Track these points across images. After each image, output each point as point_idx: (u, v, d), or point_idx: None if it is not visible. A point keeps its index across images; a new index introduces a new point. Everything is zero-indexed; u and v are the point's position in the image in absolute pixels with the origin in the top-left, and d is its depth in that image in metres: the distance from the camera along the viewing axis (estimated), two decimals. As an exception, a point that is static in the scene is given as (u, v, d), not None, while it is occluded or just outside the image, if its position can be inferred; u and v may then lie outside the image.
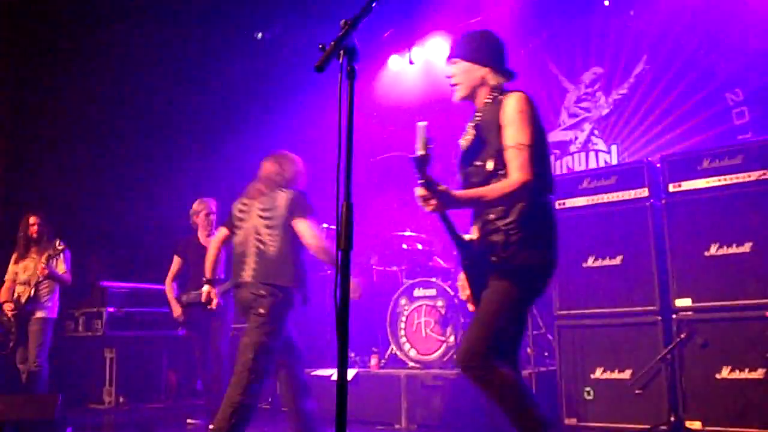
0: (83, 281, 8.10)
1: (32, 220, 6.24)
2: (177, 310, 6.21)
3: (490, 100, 3.03)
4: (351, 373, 6.09)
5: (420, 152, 2.58)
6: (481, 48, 3.12)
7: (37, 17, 8.01)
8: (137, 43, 8.37)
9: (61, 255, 6.21)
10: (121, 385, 7.71)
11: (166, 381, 8.32)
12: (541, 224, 2.91)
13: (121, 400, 7.67)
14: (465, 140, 3.11)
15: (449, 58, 3.16)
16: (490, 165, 2.92)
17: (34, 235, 6.21)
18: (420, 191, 2.65)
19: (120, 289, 7.97)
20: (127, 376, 7.78)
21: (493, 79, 3.06)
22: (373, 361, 6.35)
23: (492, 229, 2.88)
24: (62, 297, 6.38)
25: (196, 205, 6.40)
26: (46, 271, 6.03)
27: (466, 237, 3.01)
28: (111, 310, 7.75)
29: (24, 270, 6.16)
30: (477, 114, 3.09)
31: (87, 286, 7.98)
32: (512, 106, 2.91)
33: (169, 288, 6.32)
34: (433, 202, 2.65)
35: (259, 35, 9.05)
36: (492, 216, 2.89)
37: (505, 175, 2.84)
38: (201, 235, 6.34)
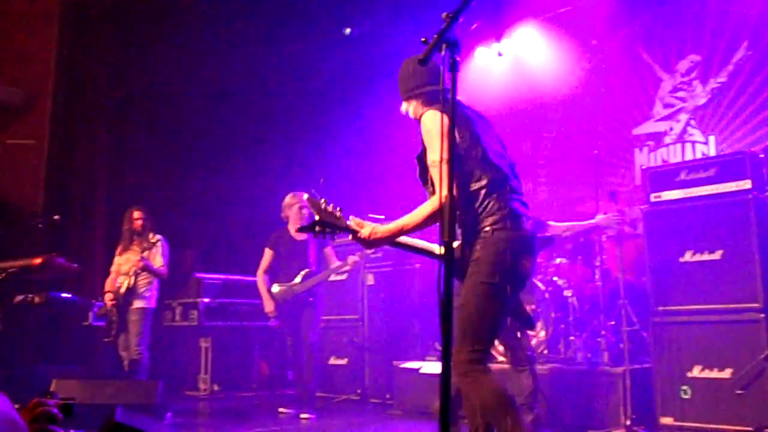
0: (180, 273, 8.43)
1: (137, 214, 6.52)
2: (270, 305, 6.34)
3: None
4: (437, 366, 6.08)
5: (317, 217, 2.97)
6: (399, 85, 3.30)
7: (141, 14, 8.32)
8: (231, 41, 8.60)
9: (159, 248, 6.47)
10: (215, 374, 7.96)
11: (259, 370, 8.54)
12: (493, 223, 2.96)
13: (215, 387, 7.92)
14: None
15: None
16: (429, 187, 3.08)
17: (138, 229, 6.48)
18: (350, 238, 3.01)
19: (214, 280, 8.22)
20: (222, 365, 8.03)
21: (418, 108, 3.18)
22: (461, 355, 6.33)
23: (460, 238, 3.00)
24: (161, 288, 6.62)
25: (288, 199, 6.52)
26: (141, 264, 6.28)
27: (437, 249, 3.06)
28: (206, 300, 8.01)
29: (126, 262, 6.45)
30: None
31: (183, 277, 8.29)
32: (423, 128, 3.05)
33: (261, 280, 6.46)
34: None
35: (348, 31, 9.14)
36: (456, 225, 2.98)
37: None
38: (292, 228, 6.47)
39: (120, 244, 6.61)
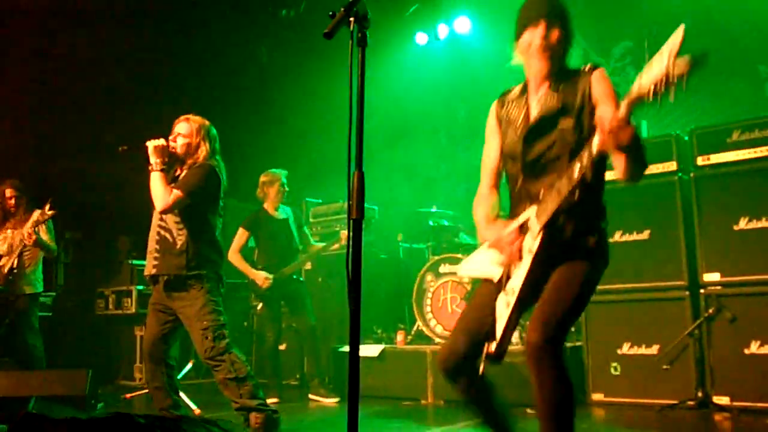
0: (113, 260, 8.20)
1: (8, 192, 5.95)
2: (260, 276, 6.07)
3: None
4: (377, 349, 6.11)
5: None
6: None
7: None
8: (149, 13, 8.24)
9: (45, 224, 5.78)
10: (151, 362, 7.78)
11: (196, 358, 8.40)
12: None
13: (151, 376, 7.74)
14: None
15: None
16: None
17: (10, 208, 5.92)
18: None
19: (150, 267, 8.00)
20: (158, 353, 7.85)
21: None
22: (400, 337, 6.37)
23: None
24: (93, 275, 6.32)
25: (267, 176, 6.24)
26: (33, 238, 5.61)
27: None
28: (141, 288, 7.83)
29: (2, 241, 5.84)
30: None
31: (117, 264, 8.08)
32: None
33: (238, 258, 6.16)
34: None
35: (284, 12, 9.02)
36: None
37: None
38: (270, 207, 6.25)
39: None
